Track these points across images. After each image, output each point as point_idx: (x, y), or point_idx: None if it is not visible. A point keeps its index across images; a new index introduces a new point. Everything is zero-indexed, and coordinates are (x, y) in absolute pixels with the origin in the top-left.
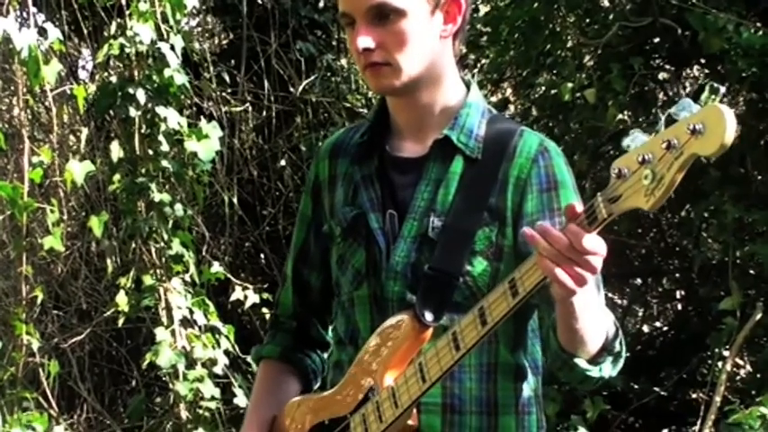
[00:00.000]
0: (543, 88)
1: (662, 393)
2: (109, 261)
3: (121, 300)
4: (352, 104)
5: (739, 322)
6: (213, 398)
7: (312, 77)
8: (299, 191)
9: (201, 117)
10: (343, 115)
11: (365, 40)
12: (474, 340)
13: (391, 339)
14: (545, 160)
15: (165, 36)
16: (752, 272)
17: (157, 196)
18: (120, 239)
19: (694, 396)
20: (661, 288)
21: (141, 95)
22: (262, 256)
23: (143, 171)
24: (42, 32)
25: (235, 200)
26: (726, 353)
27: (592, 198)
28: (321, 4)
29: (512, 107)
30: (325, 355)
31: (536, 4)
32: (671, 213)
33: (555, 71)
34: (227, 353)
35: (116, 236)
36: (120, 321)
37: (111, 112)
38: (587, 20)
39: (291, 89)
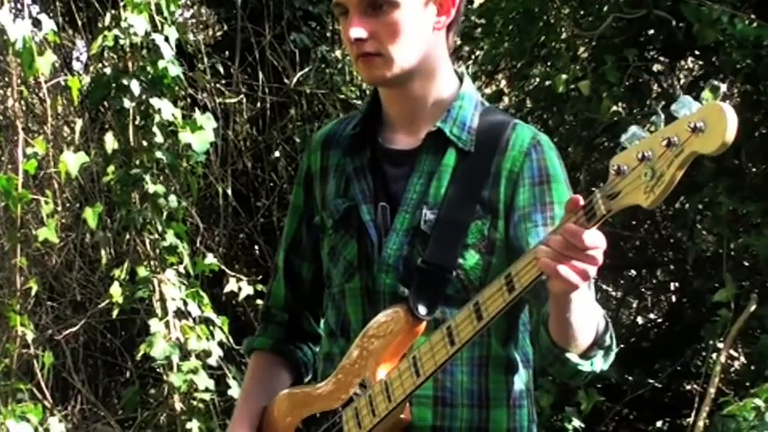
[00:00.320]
0: (537, 80)
1: (656, 385)
2: (103, 252)
3: (116, 291)
4: (347, 96)
5: (733, 314)
6: (207, 389)
7: (306, 69)
8: (294, 182)
9: (196, 108)
10: (337, 107)
11: (358, 31)
12: (469, 335)
13: (384, 333)
14: (537, 154)
15: (160, 27)
16: (746, 264)
17: (152, 187)
18: (114, 231)
19: (688, 388)
20: (655, 280)
21: (135, 87)
22: (256, 247)
23: (137, 162)
24: (36, 24)
25: (229, 191)
26: (720, 345)
27: (586, 191)
28: None
29: (506, 99)
30: (317, 348)
31: None
32: (665, 205)
33: (549, 63)
34: (221, 344)
35: (110, 227)
36: (115, 313)
37: (106, 103)
38: (581, 11)
39: (286, 80)
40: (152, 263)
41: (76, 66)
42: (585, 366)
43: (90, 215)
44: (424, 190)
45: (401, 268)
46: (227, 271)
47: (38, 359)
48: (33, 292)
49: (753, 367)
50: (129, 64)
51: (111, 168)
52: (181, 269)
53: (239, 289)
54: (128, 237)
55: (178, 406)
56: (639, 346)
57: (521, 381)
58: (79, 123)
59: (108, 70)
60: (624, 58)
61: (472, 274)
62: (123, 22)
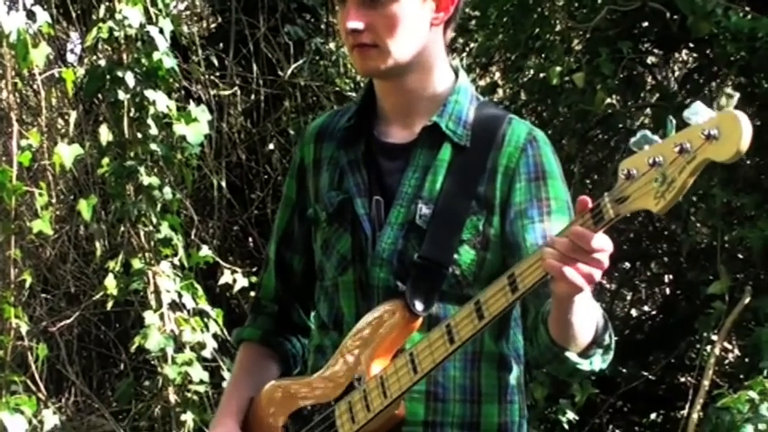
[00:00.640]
0: (532, 72)
1: (650, 377)
2: (97, 244)
3: (110, 283)
4: (341, 88)
5: (728, 306)
6: (202, 381)
7: (301, 61)
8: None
9: (190, 100)
10: (331, 99)
11: (355, 21)
12: (470, 334)
13: (380, 328)
14: (533, 149)
15: (154, 19)
16: (740, 256)
17: (146, 180)
18: (108, 223)
19: (683, 380)
20: (649, 272)
21: (130, 79)
22: (250, 239)
23: (132, 154)
24: (31, 16)
25: (223, 183)
26: (714, 337)
27: (580, 183)
28: None
29: (500, 91)
30: (306, 341)
31: None
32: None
33: (543, 55)
34: (215, 336)
35: (105, 219)
36: (109, 305)
37: (100, 95)
38: (576, 4)
39: (280, 73)
40: (146, 255)
41: (71, 58)
42: (584, 365)
43: (84, 207)
44: (419, 184)
45: (395, 262)
46: (222, 263)
47: (32, 351)
48: (27, 284)
49: (747, 360)
50: (124, 56)
51: (105, 160)
52: (175, 261)
53: (234, 281)
54: (122, 229)
55: (172, 398)
56: (633, 338)
57: (512, 376)
58: (73, 115)
59: (102, 62)
60: (618, 51)
61: (467, 270)
62: (118, 14)
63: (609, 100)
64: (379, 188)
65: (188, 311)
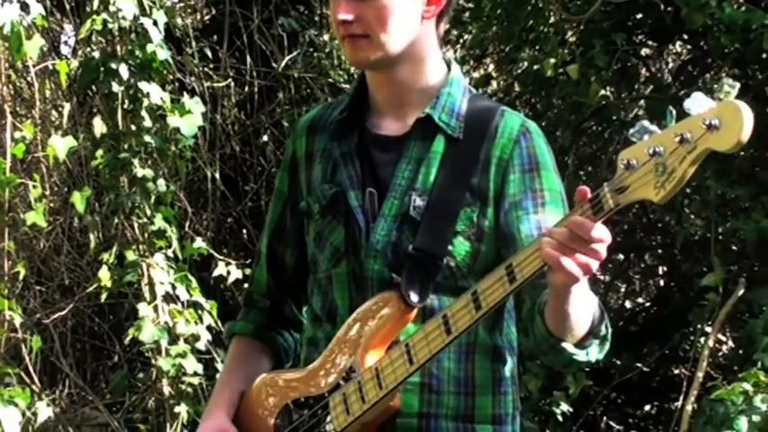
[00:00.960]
0: (526, 64)
1: (644, 369)
2: (91, 236)
3: (104, 275)
4: (335, 80)
5: (722, 298)
6: (196, 373)
7: (294, 53)
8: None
9: (184, 92)
10: (325, 91)
11: (344, 12)
12: (467, 324)
13: (374, 319)
14: (527, 141)
15: (148, 11)
16: (734, 248)
17: (140, 171)
18: (102, 215)
19: (677, 372)
20: (643, 264)
21: (124, 71)
22: (244, 231)
23: (125, 146)
24: (24, 8)
25: (217, 175)
26: (708, 329)
27: (574, 174)
28: None
29: (494, 83)
30: (298, 335)
31: None
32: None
33: (537, 47)
34: (209, 328)
35: (98, 211)
36: (103, 297)
37: (94, 87)
38: None
39: (274, 65)
40: (140, 247)
41: (65, 50)
42: (581, 356)
43: (78, 199)
44: (412, 176)
45: (389, 254)
46: (216, 255)
47: (26, 343)
48: (21, 277)
49: (741, 351)
50: (118, 48)
51: (99, 152)
52: (169, 253)
53: (228, 273)
54: (116, 221)
55: (166, 390)
56: (627, 330)
57: (506, 368)
58: (67, 107)
59: (96, 54)
60: (612, 43)
61: (461, 262)
62: (111, 6)
63: (603, 92)
64: (373, 180)
65: (182, 303)
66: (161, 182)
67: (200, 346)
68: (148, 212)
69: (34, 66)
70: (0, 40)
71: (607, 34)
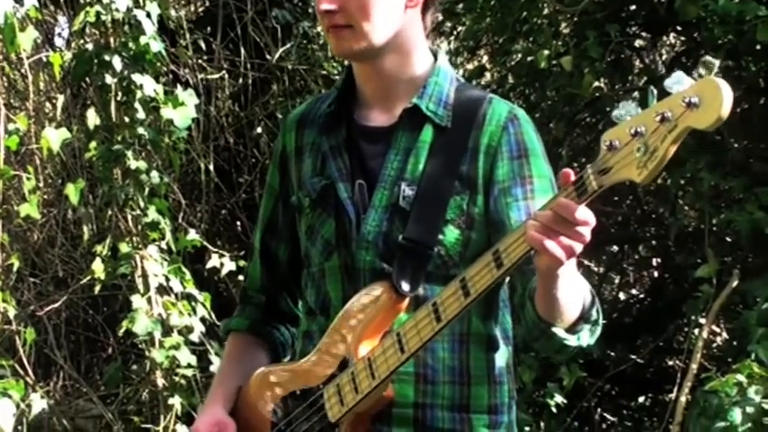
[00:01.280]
0: (519, 55)
1: (638, 361)
2: (85, 228)
3: (98, 267)
4: (329, 72)
5: (715, 290)
6: (189, 365)
7: (288, 45)
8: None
9: (178, 84)
10: (319, 83)
11: (327, 2)
12: (456, 311)
13: (366, 309)
14: (515, 128)
15: (141, 3)
16: (728, 239)
17: (134, 163)
18: (96, 207)
19: (671, 363)
20: (637, 255)
21: (117, 63)
22: (238, 223)
23: (119, 138)
24: (18, 0)
25: (211, 167)
26: (702, 320)
27: (568, 166)
28: None
29: (488, 74)
30: (295, 329)
31: None
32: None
33: (531, 38)
34: (203, 320)
35: (92, 203)
36: (97, 289)
37: (88, 79)
38: None
39: (268, 56)
40: (134, 239)
41: (58, 42)
42: (572, 341)
43: (72, 191)
44: (401, 166)
45: (381, 245)
46: (209, 247)
47: (20, 335)
48: (15, 269)
49: (735, 343)
50: (111, 40)
51: (93, 144)
52: (163, 245)
53: (221, 265)
54: (110, 213)
55: (160, 382)
56: (622, 321)
57: (501, 358)
58: (61, 99)
59: (90, 46)
60: (606, 34)
61: (452, 250)
62: None
63: (597, 83)
64: (362, 172)
65: (175, 295)
66: (154, 174)
67: (194, 337)
68: (142, 204)
69: (28, 58)
70: None
71: (601, 26)
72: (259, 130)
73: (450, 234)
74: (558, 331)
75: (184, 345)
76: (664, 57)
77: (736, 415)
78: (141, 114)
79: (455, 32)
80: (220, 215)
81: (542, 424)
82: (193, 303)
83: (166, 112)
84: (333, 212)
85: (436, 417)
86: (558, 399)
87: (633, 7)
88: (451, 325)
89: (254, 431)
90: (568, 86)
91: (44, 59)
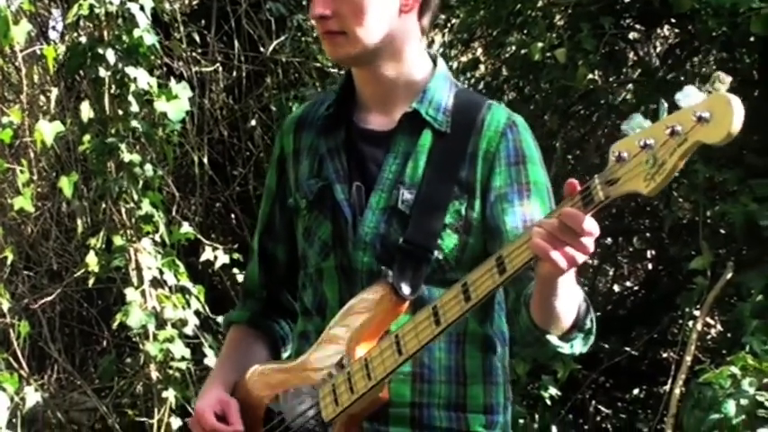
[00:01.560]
0: (513, 48)
1: (633, 353)
2: (79, 221)
3: (92, 260)
4: (323, 64)
5: (710, 282)
6: (183, 358)
7: (282, 38)
8: (270, 151)
9: (172, 77)
10: (313, 75)
11: (320, 8)
12: (456, 315)
13: (365, 311)
14: (513, 134)
15: None
16: (722, 231)
17: (127, 156)
18: (90, 200)
19: (665, 355)
20: (631, 247)
21: (111, 56)
22: (232, 216)
23: (113, 131)
24: None
25: (205, 160)
26: (696, 312)
27: (562, 158)
28: None
29: (482, 67)
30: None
31: None
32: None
33: (525, 31)
34: (197, 313)
35: (86, 196)
36: (91, 282)
37: (82, 72)
38: None
39: (262, 49)
40: (128, 232)
41: (52, 35)
42: (565, 349)
43: (65, 184)
44: (400, 170)
45: (378, 246)
46: (203, 240)
47: (14, 328)
48: (9, 262)
49: (729, 335)
50: (105, 33)
51: (86, 137)
52: (157, 238)
53: (215, 258)
54: (104, 206)
55: (154, 375)
56: (616, 314)
57: (497, 358)
58: (55, 92)
59: (83, 39)
60: (600, 26)
61: (450, 255)
62: None
63: (590, 75)
64: (360, 174)
65: (169, 288)
66: (148, 167)
67: (188, 330)
68: (136, 197)
69: (21, 51)
70: None
71: (595, 18)
72: (253, 122)
73: (449, 239)
74: (552, 339)
75: (178, 338)
76: (658, 49)
77: (730, 407)
78: (135, 107)
79: (449, 25)
80: (214, 208)
81: (537, 416)
82: (187, 296)
83: (160, 104)
84: (329, 214)
85: (433, 416)
86: (553, 391)
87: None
88: None
89: (247, 429)
90: (562, 79)
91: (38, 52)
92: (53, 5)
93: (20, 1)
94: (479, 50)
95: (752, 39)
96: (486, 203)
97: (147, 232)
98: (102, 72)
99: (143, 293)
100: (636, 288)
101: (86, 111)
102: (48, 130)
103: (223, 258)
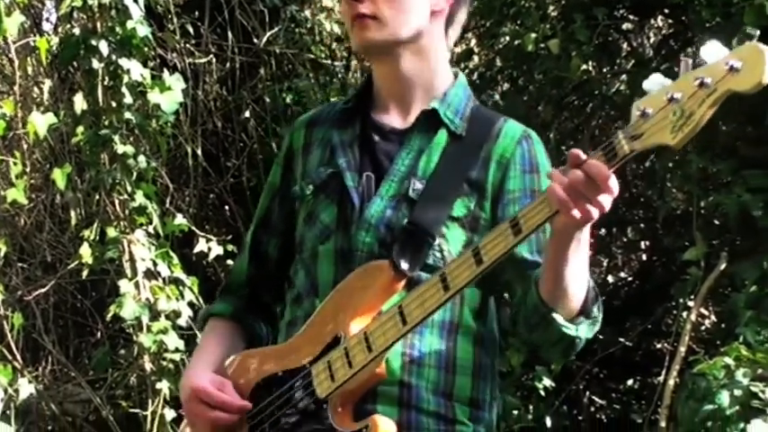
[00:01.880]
0: (507, 39)
1: (627, 344)
2: (73, 213)
3: (85, 252)
4: (316, 55)
5: (704, 272)
6: (177, 349)
7: (276, 29)
8: (264, 142)
9: (165, 69)
10: (306, 66)
11: None
12: (466, 280)
13: (362, 287)
14: (528, 145)
15: None
16: (716, 222)
17: (121, 148)
18: (83, 191)
19: (659, 346)
20: (626, 238)
21: (104, 47)
22: (226, 207)
23: (106, 123)
24: None
25: (199, 151)
26: (690, 303)
27: (556, 150)
28: None
29: (476, 58)
30: (271, 329)
31: None
32: (635, 163)
33: (519, 21)
34: (191, 305)
35: (80, 188)
36: (85, 273)
37: (75, 63)
38: None
39: (255, 40)
40: (122, 223)
41: (46, 26)
42: (571, 330)
43: (59, 176)
44: (413, 164)
45: (382, 228)
46: (197, 231)
47: (8, 320)
48: (3, 253)
49: (723, 325)
50: (98, 24)
51: (80, 129)
52: (150, 229)
53: (209, 249)
54: (97, 197)
55: (148, 366)
56: (610, 304)
57: (487, 356)
58: (48, 84)
59: (77, 31)
60: (594, 17)
61: (453, 247)
62: None
63: (584, 66)
64: (371, 166)
65: (163, 280)
66: (142, 158)
67: (182, 322)
68: (129, 189)
69: (15, 42)
70: None
71: (588, 9)
72: (247, 114)
73: (455, 231)
74: (558, 318)
75: (172, 329)
76: (651, 40)
77: (724, 397)
78: (128, 99)
79: None
80: (208, 199)
81: (531, 407)
82: (181, 288)
83: (154, 96)
84: (336, 198)
85: (421, 397)
86: (547, 382)
87: None
88: (442, 313)
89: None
90: (556, 69)
91: (31, 44)
92: None
93: None
94: (473, 41)
95: (745, 29)
96: (498, 205)
97: (140, 224)
98: (96, 63)
99: (137, 285)
100: (630, 279)
101: (80, 102)
102: (41, 122)
103: (217, 250)
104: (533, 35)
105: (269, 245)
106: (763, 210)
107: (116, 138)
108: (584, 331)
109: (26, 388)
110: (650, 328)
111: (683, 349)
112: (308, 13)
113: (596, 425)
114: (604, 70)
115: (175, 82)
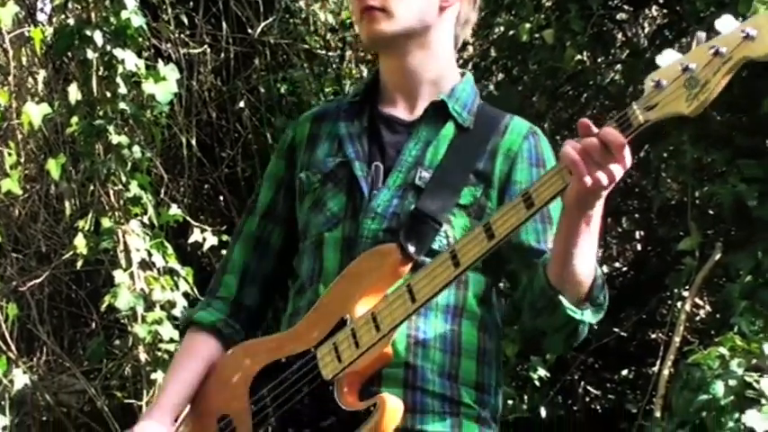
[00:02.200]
0: (501, 29)
1: (621, 334)
2: (67, 204)
3: (80, 242)
4: (311, 46)
5: (698, 262)
6: (172, 340)
7: (270, 19)
8: (258, 133)
9: (160, 59)
10: (301, 56)
11: None
12: (477, 255)
13: (369, 270)
14: (535, 140)
15: None
16: (711, 212)
17: (115, 138)
18: (78, 182)
19: (654, 336)
20: (620, 228)
21: (98, 38)
22: (221, 197)
23: (101, 113)
24: None
25: (193, 142)
26: (685, 293)
27: (551, 140)
28: None
29: (470, 48)
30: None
31: None
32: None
33: (513, 12)
34: (185, 295)
35: (74, 178)
36: (79, 264)
37: (69, 54)
38: None
39: (250, 31)
40: (116, 214)
41: (40, 17)
42: (576, 313)
43: (53, 166)
44: (420, 155)
45: (389, 216)
46: (192, 221)
47: (2, 311)
48: None
49: (718, 316)
50: (93, 14)
51: (74, 119)
52: (145, 220)
53: (204, 239)
54: (92, 188)
55: (143, 357)
56: None
57: (491, 341)
58: (42, 74)
59: (71, 21)
60: (588, 7)
61: (459, 234)
62: None
63: (579, 56)
64: (380, 157)
65: (158, 270)
66: (136, 149)
67: (177, 312)
68: (124, 179)
69: (9, 33)
70: None
71: None
72: (241, 104)
73: (461, 218)
74: (564, 301)
75: (167, 320)
76: (646, 30)
77: (719, 388)
78: (123, 89)
79: None
80: (203, 190)
81: (525, 397)
82: (176, 278)
83: (148, 86)
84: (345, 188)
85: (427, 378)
86: (542, 372)
87: None
88: (447, 296)
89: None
90: (550, 60)
91: (26, 34)
92: None
93: None
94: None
95: (740, 19)
96: (506, 195)
97: (135, 214)
98: (90, 54)
99: (131, 275)
100: (624, 269)
101: (74, 93)
102: (35, 112)
103: (212, 240)
104: (528, 25)
105: (273, 234)
106: (758, 200)
107: (110, 128)
108: (588, 315)
109: (21, 379)
110: (645, 319)
111: (677, 339)
112: (302, 3)
113: (591, 415)
114: (599, 60)
115: (170, 72)
